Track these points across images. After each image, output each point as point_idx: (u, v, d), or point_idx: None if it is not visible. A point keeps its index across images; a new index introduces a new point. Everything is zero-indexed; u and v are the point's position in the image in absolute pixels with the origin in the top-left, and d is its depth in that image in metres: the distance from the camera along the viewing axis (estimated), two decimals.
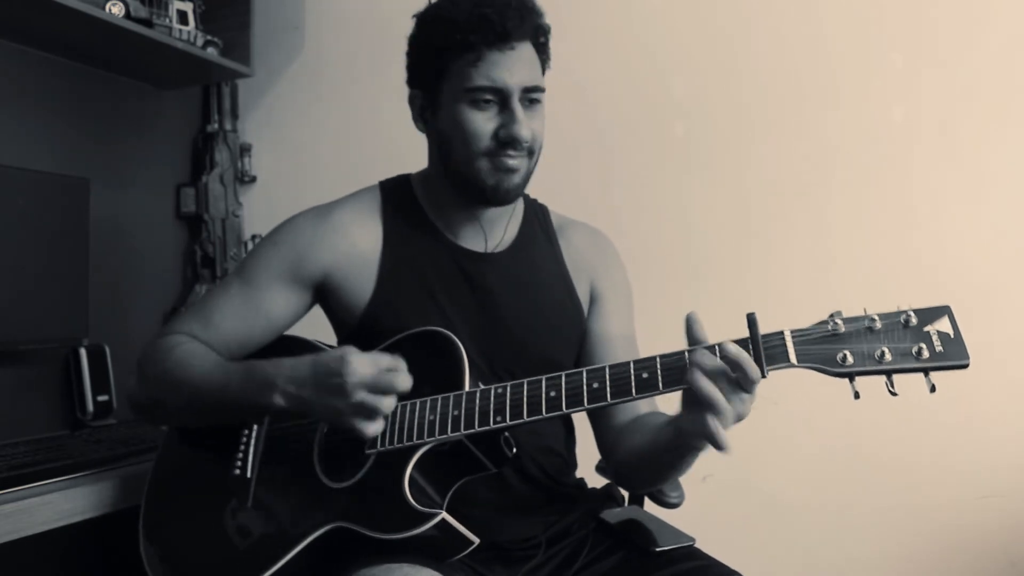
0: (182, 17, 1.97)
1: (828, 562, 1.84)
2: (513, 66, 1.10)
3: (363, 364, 1.00)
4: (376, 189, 1.26)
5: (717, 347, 0.90)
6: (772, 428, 1.74)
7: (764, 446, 1.80)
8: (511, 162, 1.12)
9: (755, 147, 1.91)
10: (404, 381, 1.01)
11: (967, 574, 1.75)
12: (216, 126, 2.30)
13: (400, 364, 1.02)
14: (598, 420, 1.23)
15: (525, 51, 1.12)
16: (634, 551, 1.16)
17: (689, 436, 0.94)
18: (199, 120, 2.33)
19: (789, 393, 1.55)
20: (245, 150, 2.35)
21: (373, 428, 1.01)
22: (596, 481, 1.36)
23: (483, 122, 1.11)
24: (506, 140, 1.11)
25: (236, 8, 2.11)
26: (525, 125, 1.11)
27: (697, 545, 1.16)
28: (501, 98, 1.11)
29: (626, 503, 1.37)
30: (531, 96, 1.13)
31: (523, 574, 1.15)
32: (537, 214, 1.29)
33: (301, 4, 2.32)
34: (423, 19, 1.17)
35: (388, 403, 1.00)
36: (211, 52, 2.01)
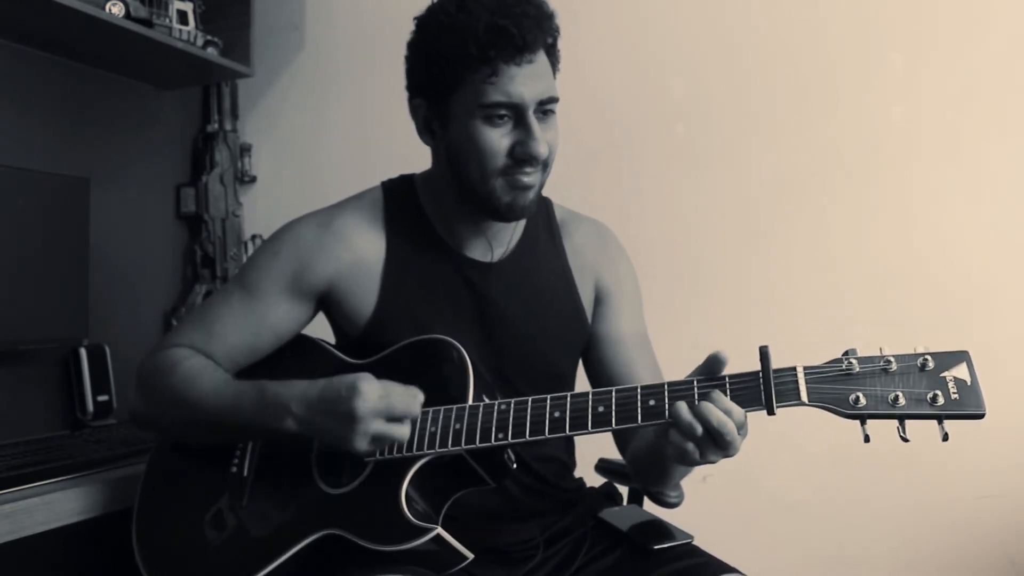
0: (182, 17, 1.97)
1: (827, 560, 1.84)
2: (530, 80, 1.05)
3: (375, 392, 0.98)
4: (378, 192, 1.23)
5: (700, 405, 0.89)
6: (772, 426, 1.73)
7: (764, 445, 1.79)
8: (526, 179, 1.08)
9: (756, 147, 1.91)
10: (417, 408, 1.00)
11: (967, 573, 1.75)
12: (216, 126, 2.30)
13: (415, 393, 1.01)
14: None
15: (541, 62, 1.07)
16: (633, 549, 1.15)
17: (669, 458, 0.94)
18: (199, 120, 2.33)
19: None
20: (245, 150, 2.35)
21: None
22: (595, 480, 1.36)
23: (498, 139, 1.07)
24: (522, 158, 1.07)
25: (236, 8, 2.10)
26: (542, 141, 1.07)
27: (696, 543, 1.16)
28: (517, 113, 1.06)
29: (625, 502, 1.37)
30: (546, 108, 1.08)
31: (522, 575, 1.15)
32: (540, 210, 1.25)
33: (301, 4, 2.32)
34: (427, 26, 1.10)
35: (402, 432, 1.00)
36: (211, 52, 2.01)
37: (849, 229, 1.84)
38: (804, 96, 1.88)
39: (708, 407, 0.88)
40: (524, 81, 1.05)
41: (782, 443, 1.81)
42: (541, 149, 1.07)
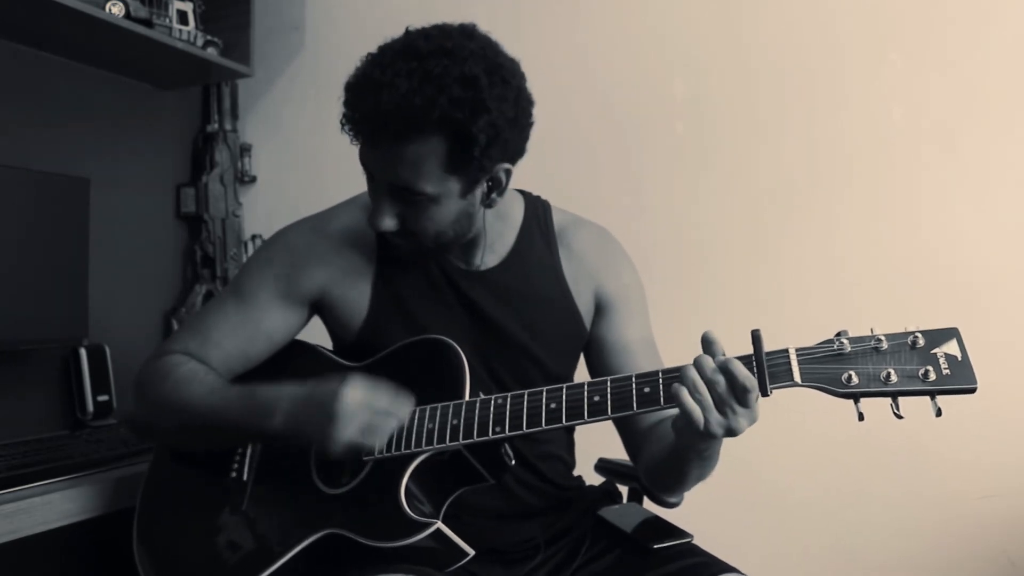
0: (182, 17, 1.97)
1: (827, 559, 1.84)
2: (382, 160, 1.03)
3: (357, 400, 0.99)
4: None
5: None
6: (772, 423, 1.73)
7: (764, 442, 1.79)
8: (391, 241, 1.09)
9: (761, 146, 1.91)
10: (398, 420, 1.02)
11: (967, 573, 1.75)
12: (216, 126, 2.30)
13: (399, 402, 1.02)
14: (623, 426, 1.20)
15: (406, 152, 0.99)
16: (632, 548, 1.15)
17: (682, 434, 0.94)
18: (199, 120, 2.33)
19: (790, 389, 1.54)
20: (245, 150, 2.35)
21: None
22: (595, 479, 1.36)
23: (371, 190, 1.08)
24: None
25: (236, 8, 2.11)
26: (384, 215, 1.04)
27: (696, 542, 1.16)
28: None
29: (624, 500, 1.37)
30: (404, 196, 1.03)
31: (523, 575, 1.15)
32: (538, 216, 1.23)
33: (301, 4, 2.32)
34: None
35: (379, 442, 1.01)
36: (211, 52, 2.01)
37: (855, 227, 1.83)
38: (808, 95, 1.87)
39: (705, 358, 0.91)
40: (376, 157, 1.03)
41: (782, 442, 1.81)
42: (376, 222, 1.05)
